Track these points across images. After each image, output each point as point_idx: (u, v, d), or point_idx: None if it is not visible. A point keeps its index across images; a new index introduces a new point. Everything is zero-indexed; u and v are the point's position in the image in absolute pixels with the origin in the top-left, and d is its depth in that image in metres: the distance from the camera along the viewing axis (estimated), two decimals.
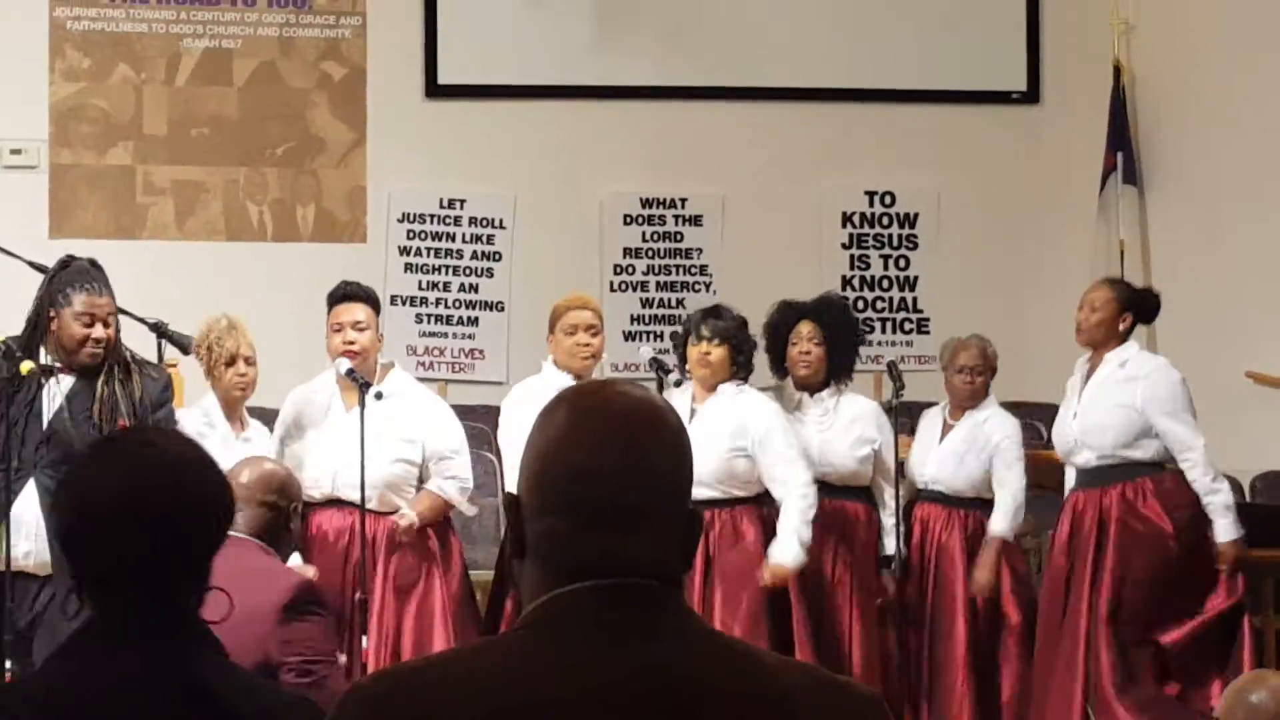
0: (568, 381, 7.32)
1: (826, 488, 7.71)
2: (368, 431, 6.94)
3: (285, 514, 5.37)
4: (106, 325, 6.50)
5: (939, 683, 7.80)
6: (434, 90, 10.85)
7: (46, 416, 6.43)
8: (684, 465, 2.30)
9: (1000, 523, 7.81)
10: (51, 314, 6.50)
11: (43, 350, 6.50)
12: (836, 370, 7.88)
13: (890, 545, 7.77)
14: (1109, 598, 7.33)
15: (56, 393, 6.46)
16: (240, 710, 2.73)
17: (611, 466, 2.21)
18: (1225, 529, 7.38)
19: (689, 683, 2.16)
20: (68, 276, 6.57)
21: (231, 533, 5.27)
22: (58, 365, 6.50)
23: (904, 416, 8.01)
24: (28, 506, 6.34)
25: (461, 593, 7.31)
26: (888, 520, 7.79)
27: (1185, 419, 7.42)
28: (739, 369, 7.62)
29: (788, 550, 7.34)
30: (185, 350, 7.15)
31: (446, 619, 7.18)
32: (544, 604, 2.21)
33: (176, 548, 2.77)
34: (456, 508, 7.36)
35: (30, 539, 6.33)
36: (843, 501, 7.76)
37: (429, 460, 7.29)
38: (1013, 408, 8.44)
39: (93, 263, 6.70)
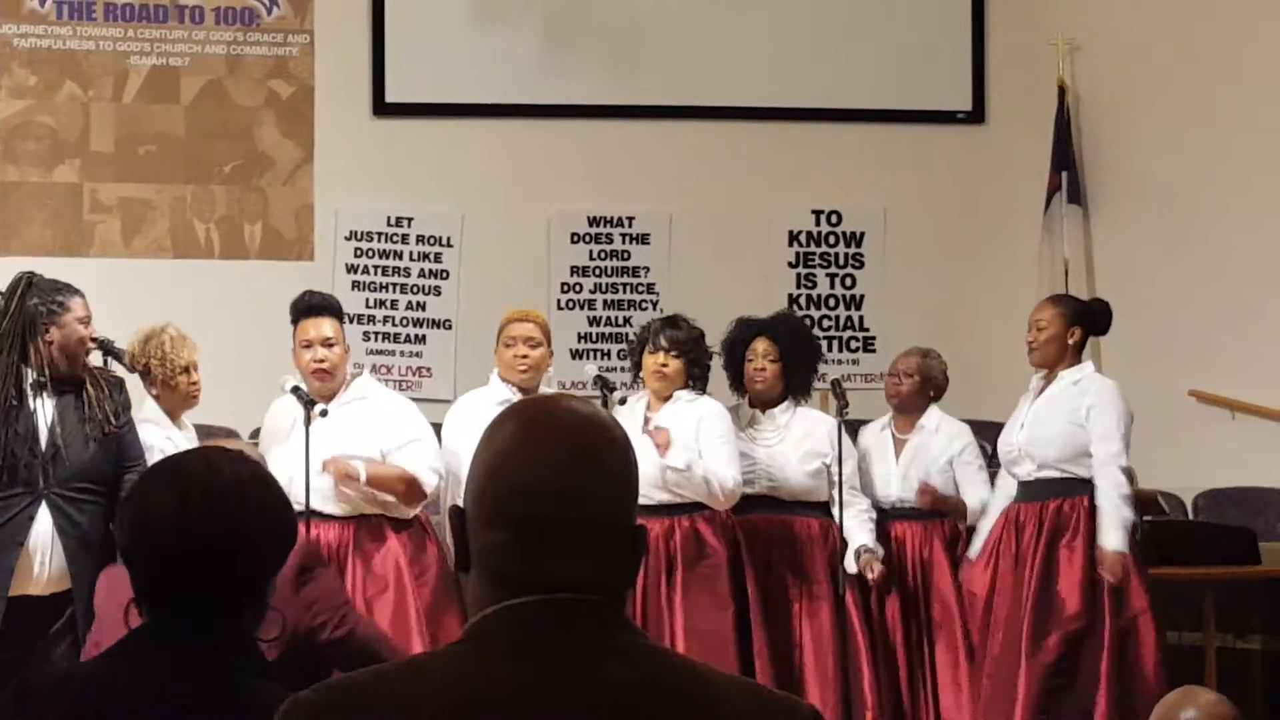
0: (512, 395, 7.32)
1: (777, 503, 7.73)
2: (327, 440, 6.90)
3: None
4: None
5: (941, 689, 7.82)
6: (382, 108, 10.86)
7: (42, 436, 6.39)
8: (629, 482, 2.30)
9: (972, 503, 7.89)
10: (46, 326, 6.42)
11: (30, 370, 6.42)
12: (794, 387, 7.89)
13: (855, 539, 7.73)
14: (1030, 613, 7.35)
15: (43, 410, 6.41)
16: None
17: (554, 482, 2.22)
18: (1114, 538, 7.28)
19: (629, 700, 2.16)
20: (48, 287, 6.53)
21: None
22: (43, 380, 6.43)
23: (849, 434, 8.03)
24: (43, 530, 6.28)
25: (437, 600, 7.23)
26: (849, 521, 7.75)
27: (1116, 427, 7.39)
28: (694, 381, 7.64)
29: (674, 454, 7.38)
30: (132, 369, 7.14)
31: (421, 626, 7.10)
32: (486, 618, 2.22)
33: (233, 568, 2.82)
34: (421, 484, 7.19)
35: (45, 563, 6.28)
36: (793, 516, 7.76)
37: (389, 455, 7.19)
38: (964, 424, 8.47)
39: (51, 278, 6.71)
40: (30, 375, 6.40)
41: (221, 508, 2.81)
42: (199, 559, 2.80)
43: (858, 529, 7.78)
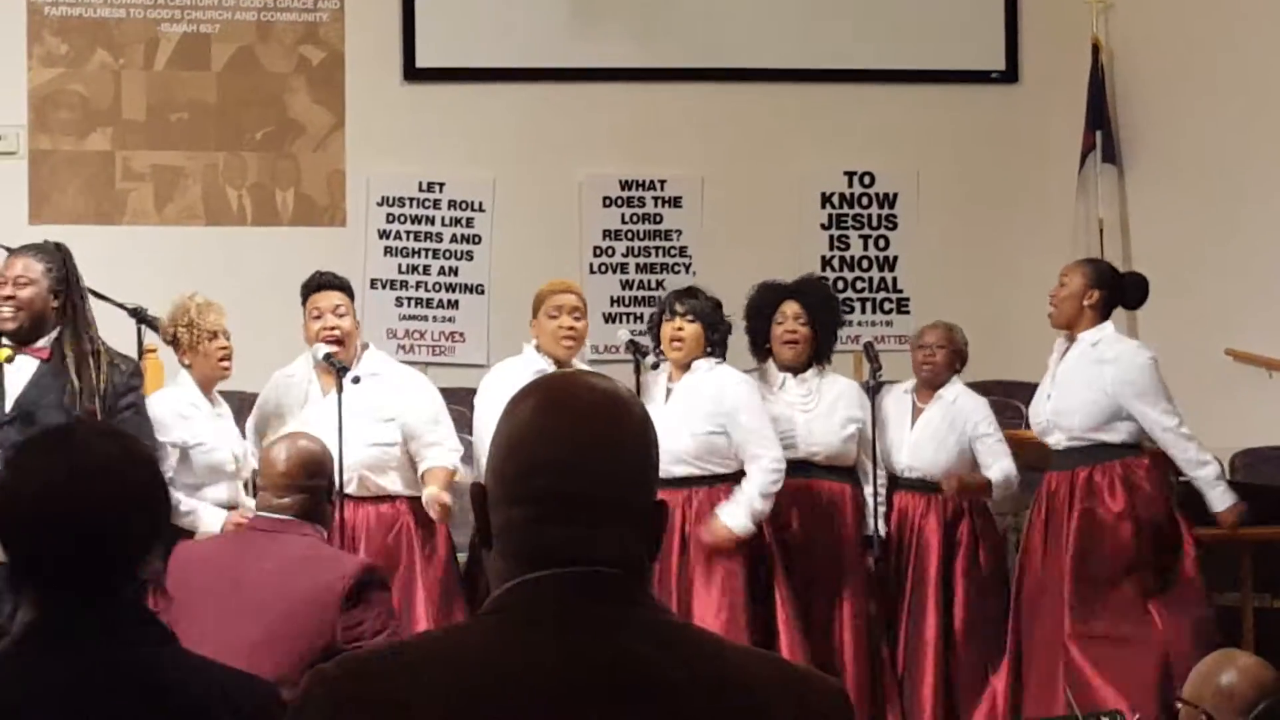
0: (547, 366, 7.32)
1: (812, 467, 7.73)
2: (346, 414, 6.93)
3: (324, 493, 5.48)
4: (19, 286, 6.61)
5: (911, 669, 7.80)
6: (412, 74, 10.84)
7: (9, 398, 6.45)
8: (648, 457, 2.30)
9: (995, 475, 7.84)
10: None
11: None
12: (819, 351, 7.89)
13: (873, 525, 7.76)
14: (1070, 581, 7.32)
15: (17, 375, 6.49)
16: (193, 691, 2.75)
17: (573, 458, 2.22)
18: (1218, 499, 7.39)
19: (650, 673, 2.16)
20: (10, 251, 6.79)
21: (275, 515, 5.41)
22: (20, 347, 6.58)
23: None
24: None
25: (446, 576, 7.29)
26: (871, 500, 7.78)
27: (1156, 400, 7.38)
28: (713, 348, 7.63)
29: (736, 515, 7.35)
30: (166, 340, 7.18)
31: (432, 603, 7.16)
32: (507, 591, 2.22)
33: (103, 545, 2.79)
34: (457, 476, 7.30)
35: None
36: (828, 481, 7.76)
37: (410, 438, 7.26)
38: (993, 387, 8.47)
39: (43, 244, 6.78)
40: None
41: (89, 486, 2.78)
42: (68, 539, 2.77)
43: (878, 510, 7.77)
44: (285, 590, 5.19)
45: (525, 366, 7.30)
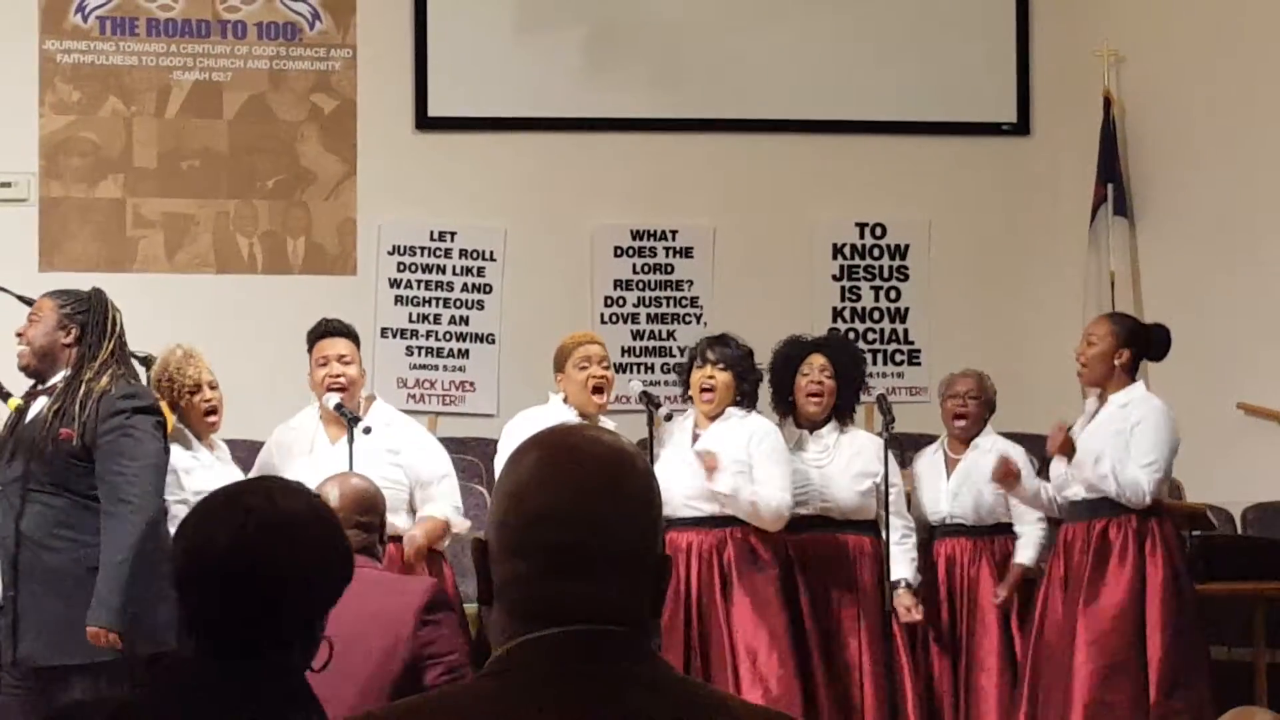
0: (572, 416, 7.30)
1: (829, 523, 7.71)
2: (357, 464, 6.91)
3: (377, 531, 5.50)
4: (31, 323, 6.59)
5: (975, 713, 7.77)
6: (424, 122, 10.85)
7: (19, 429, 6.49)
8: (650, 511, 2.27)
9: (1027, 553, 7.80)
10: None
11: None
12: (843, 407, 7.87)
13: (896, 570, 7.68)
14: (1085, 633, 7.26)
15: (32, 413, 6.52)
16: None
17: (574, 511, 2.20)
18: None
19: None
20: None
21: None
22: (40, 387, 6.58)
23: (894, 449, 7.98)
24: None
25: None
26: (895, 547, 7.70)
27: (1152, 454, 7.28)
28: (743, 398, 7.61)
29: (722, 479, 7.35)
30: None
31: None
32: (510, 651, 2.20)
33: (285, 604, 2.79)
34: (454, 529, 7.30)
35: None
36: (846, 535, 7.73)
37: (416, 487, 7.24)
38: (1003, 438, 8.42)
39: (95, 290, 6.77)
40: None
41: (276, 542, 2.78)
42: (250, 594, 2.77)
43: (901, 557, 7.71)
44: (354, 614, 5.23)
45: (552, 416, 7.26)
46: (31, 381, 6.61)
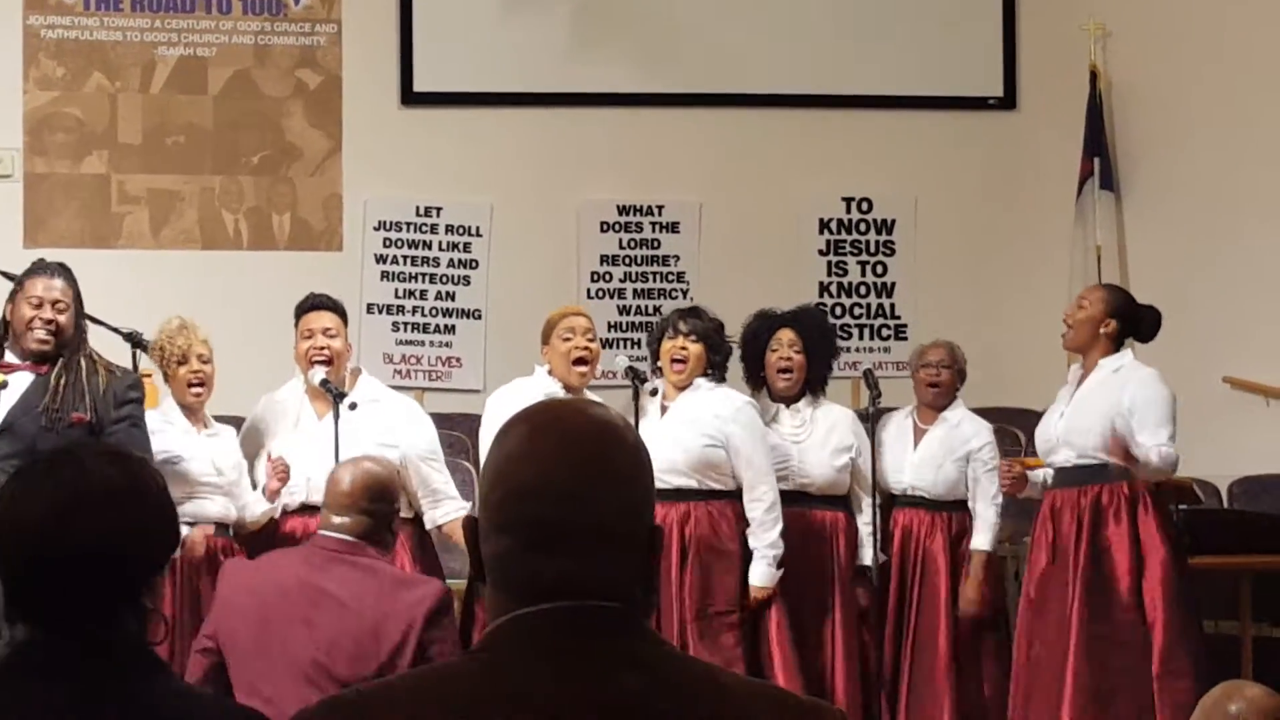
0: (558, 390, 7.28)
1: (804, 497, 7.69)
2: (343, 439, 6.90)
3: (388, 518, 5.53)
4: (58, 311, 6.53)
5: (922, 688, 7.77)
6: (410, 98, 10.83)
7: (1, 412, 6.44)
8: (638, 485, 2.24)
9: (983, 538, 7.80)
10: (9, 306, 6.62)
11: (7, 350, 6.57)
12: (813, 381, 7.85)
13: (868, 555, 7.72)
14: (1080, 603, 7.25)
15: (14, 388, 6.48)
16: None
17: (559, 485, 2.18)
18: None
19: (647, 709, 2.12)
20: (31, 269, 6.74)
21: (340, 536, 5.49)
22: (16, 361, 6.56)
23: (880, 423, 7.97)
24: None
25: None
26: (864, 529, 7.74)
27: (1164, 431, 7.27)
28: (713, 370, 7.59)
29: (762, 573, 7.37)
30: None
31: None
32: (500, 627, 2.19)
33: (105, 574, 2.72)
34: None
35: None
36: (821, 511, 7.72)
37: (413, 471, 7.21)
38: (989, 413, 8.43)
39: (61, 265, 6.74)
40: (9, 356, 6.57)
41: (90, 513, 2.71)
42: (68, 568, 2.70)
43: (869, 539, 7.74)
44: (368, 607, 5.29)
45: (536, 388, 7.24)
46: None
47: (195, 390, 7.14)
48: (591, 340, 7.47)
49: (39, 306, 6.56)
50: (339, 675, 5.18)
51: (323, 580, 5.38)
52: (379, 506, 5.53)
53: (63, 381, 6.44)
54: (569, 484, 2.18)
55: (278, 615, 5.33)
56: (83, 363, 6.55)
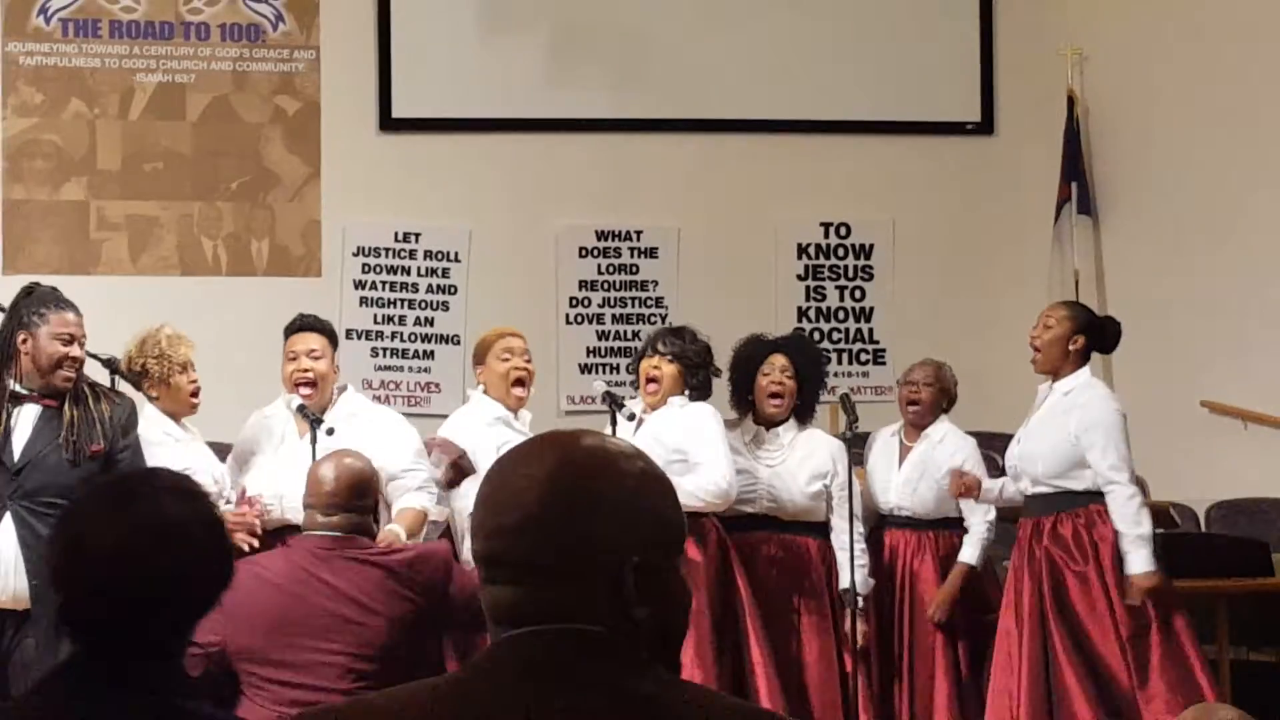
0: (502, 411, 7.24)
1: (778, 523, 7.68)
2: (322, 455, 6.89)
3: (371, 512, 5.58)
4: (81, 345, 6.50)
5: (921, 707, 7.76)
6: (388, 124, 10.84)
7: (17, 447, 6.38)
8: (632, 514, 2.22)
9: (971, 551, 7.80)
10: (23, 337, 6.45)
11: (10, 379, 6.45)
12: (803, 408, 7.84)
13: (846, 579, 7.68)
14: (1060, 632, 7.24)
15: (22, 422, 6.41)
16: None
17: (543, 513, 2.18)
18: (1137, 561, 7.08)
19: None
20: (39, 298, 6.57)
21: (330, 534, 5.52)
22: (25, 393, 6.45)
23: (858, 448, 7.97)
24: (6, 541, 6.25)
25: None
26: (841, 554, 7.69)
27: (1112, 452, 7.25)
28: (692, 392, 7.53)
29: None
30: (138, 386, 7.09)
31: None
32: (484, 652, 2.21)
33: (163, 608, 2.74)
34: (431, 517, 7.23)
35: (7, 575, 6.25)
36: (794, 536, 7.69)
37: (387, 478, 7.17)
38: (969, 437, 8.43)
39: (54, 290, 6.69)
40: (11, 385, 6.45)
41: (163, 552, 2.73)
42: (130, 599, 2.71)
43: (848, 564, 7.69)
44: (379, 603, 5.35)
45: (480, 416, 7.21)
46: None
47: (196, 399, 7.15)
48: (529, 361, 7.42)
49: (69, 343, 6.47)
50: (362, 669, 5.24)
51: (328, 575, 5.44)
52: (364, 502, 5.60)
53: (76, 414, 6.41)
54: (551, 511, 2.18)
55: (294, 616, 5.36)
56: (87, 391, 6.52)
